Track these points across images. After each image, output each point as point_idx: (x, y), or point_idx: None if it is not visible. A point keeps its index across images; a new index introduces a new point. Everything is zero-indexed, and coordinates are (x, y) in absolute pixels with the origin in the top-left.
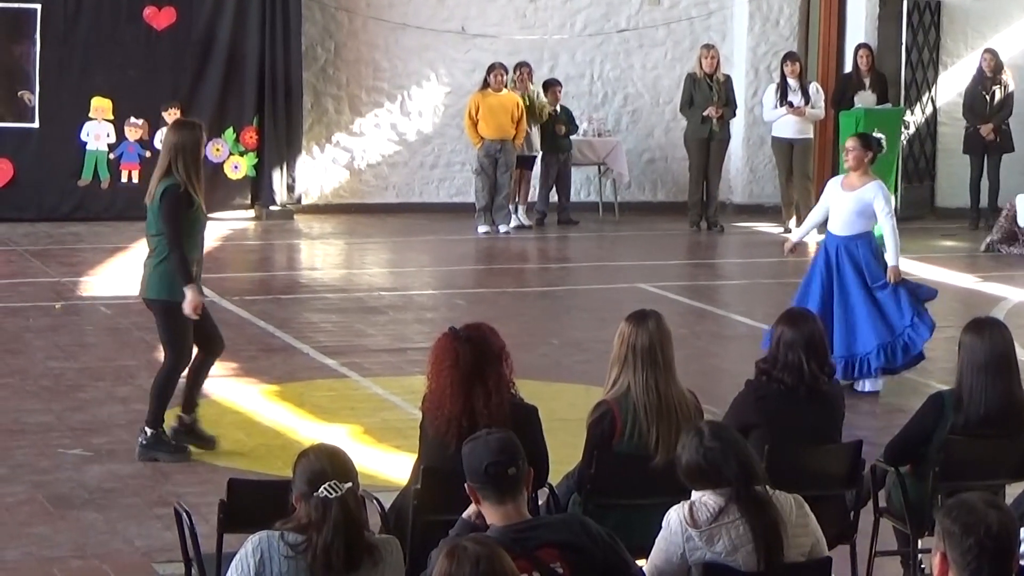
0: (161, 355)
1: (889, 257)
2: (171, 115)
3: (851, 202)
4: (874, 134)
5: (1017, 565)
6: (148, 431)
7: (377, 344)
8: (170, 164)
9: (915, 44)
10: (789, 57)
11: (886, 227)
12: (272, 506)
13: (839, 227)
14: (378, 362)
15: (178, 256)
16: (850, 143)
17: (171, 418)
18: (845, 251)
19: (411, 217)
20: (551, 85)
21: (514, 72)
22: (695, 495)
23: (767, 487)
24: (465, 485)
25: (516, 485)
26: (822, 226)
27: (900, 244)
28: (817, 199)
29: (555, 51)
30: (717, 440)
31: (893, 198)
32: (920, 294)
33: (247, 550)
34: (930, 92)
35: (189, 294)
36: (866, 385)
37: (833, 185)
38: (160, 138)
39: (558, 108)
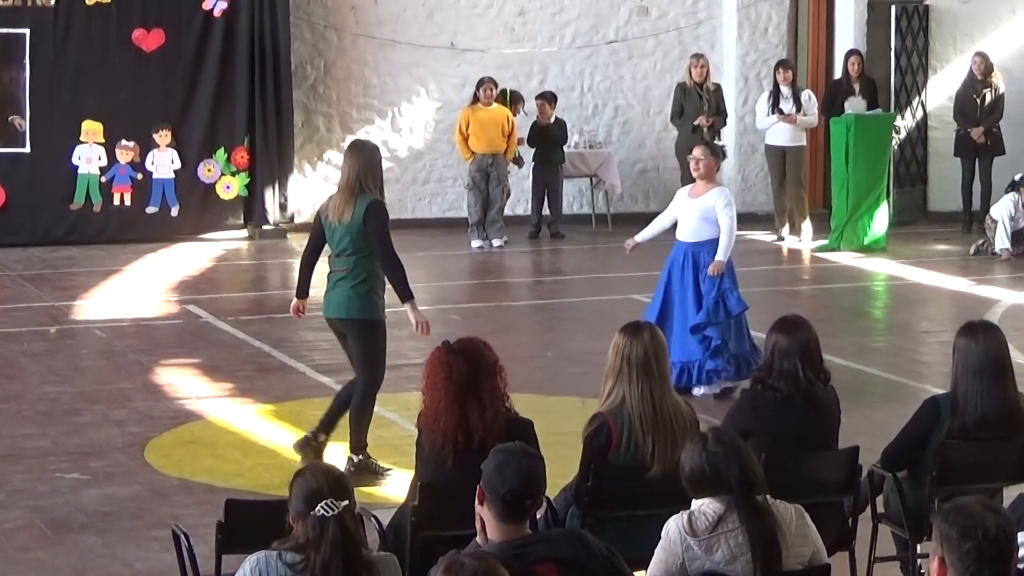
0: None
1: (718, 252)
2: (162, 137)
3: (696, 209)
4: (716, 143)
5: (1015, 568)
6: (354, 458)
7: None
8: (361, 183)
9: (904, 49)
10: (782, 64)
11: (723, 224)
12: (270, 526)
13: (686, 234)
14: None
15: (402, 270)
16: (700, 152)
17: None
18: (691, 257)
19: (404, 233)
20: (539, 99)
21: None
22: (694, 504)
23: (767, 497)
24: (478, 486)
25: (526, 514)
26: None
27: (732, 240)
28: (810, 206)
29: (544, 64)
30: (720, 445)
31: (734, 203)
32: (730, 306)
33: (245, 570)
34: (920, 96)
35: (415, 310)
36: (701, 390)
37: (681, 194)
38: (151, 160)
39: (552, 120)
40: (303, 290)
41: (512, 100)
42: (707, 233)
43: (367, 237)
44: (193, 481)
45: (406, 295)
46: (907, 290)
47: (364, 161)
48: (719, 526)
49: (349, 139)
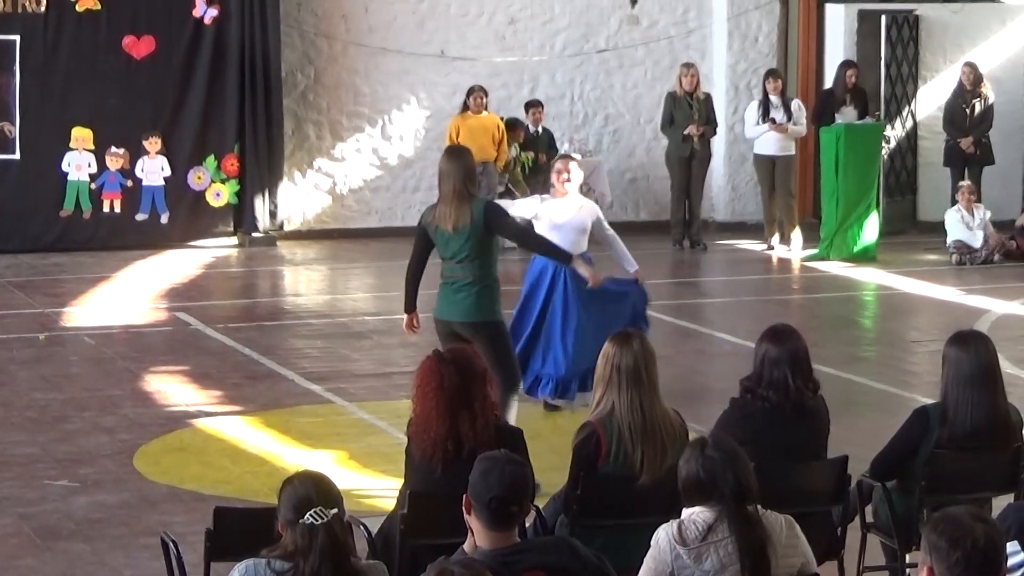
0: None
1: (631, 263)
2: (152, 144)
3: (579, 223)
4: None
5: None
6: None
7: (362, 369)
8: (467, 188)
9: (894, 59)
10: (771, 74)
11: (616, 240)
12: (259, 534)
13: (568, 247)
14: (363, 387)
15: (547, 240)
16: (572, 164)
17: None
18: (570, 270)
19: (394, 241)
20: (532, 107)
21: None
22: (685, 513)
23: (758, 507)
24: (464, 496)
25: (514, 520)
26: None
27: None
28: (800, 215)
29: (535, 72)
30: (718, 451)
31: None
32: (639, 306)
33: None
34: (910, 106)
35: (582, 265)
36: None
37: (550, 204)
38: (141, 167)
39: (540, 130)
40: (412, 304)
41: (510, 127)
42: (584, 245)
43: (488, 237)
44: (182, 489)
45: (567, 256)
46: (896, 299)
47: (465, 167)
48: (709, 535)
49: (339, 147)
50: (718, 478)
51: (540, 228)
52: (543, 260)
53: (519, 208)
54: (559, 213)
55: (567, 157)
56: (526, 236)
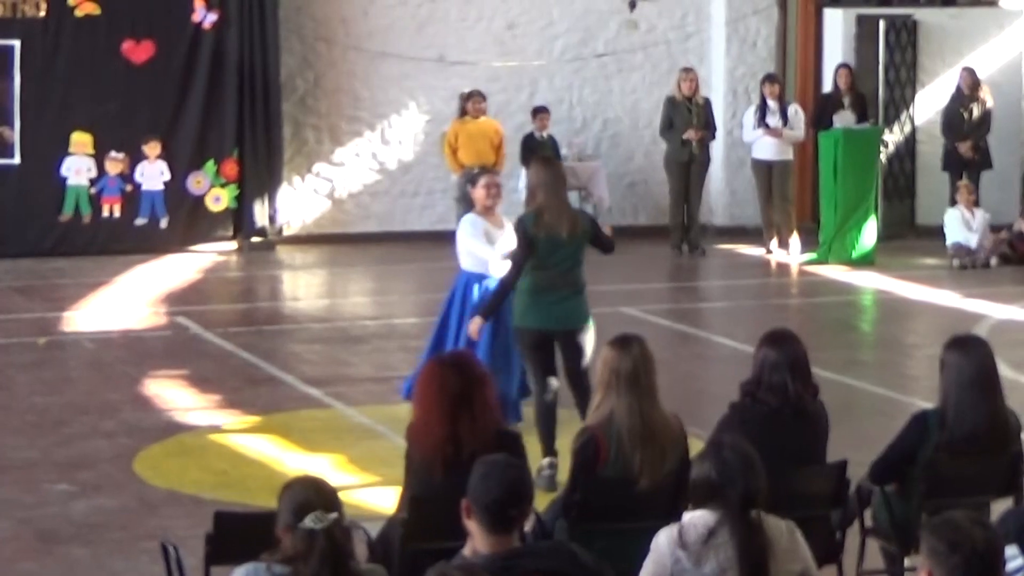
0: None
1: None
2: (152, 148)
3: (507, 239)
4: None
5: None
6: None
7: (361, 373)
8: (566, 194)
9: (892, 63)
10: (769, 78)
11: None
12: (259, 538)
13: (492, 267)
14: (362, 391)
15: None
16: (497, 179)
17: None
18: (476, 288)
19: (393, 246)
20: (539, 112)
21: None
22: (685, 517)
23: (759, 512)
24: (463, 500)
25: (513, 524)
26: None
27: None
28: (798, 220)
29: (534, 77)
30: (734, 454)
31: None
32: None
33: None
34: (908, 110)
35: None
36: None
37: (486, 227)
38: (141, 172)
39: (545, 135)
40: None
41: (534, 112)
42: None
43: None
44: (182, 493)
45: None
46: (895, 304)
47: (560, 175)
48: (710, 539)
49: (338, 151)
50: (728, 482)
51: (500, 254)
52: (466, 275)
53: (504, 241)
54: (497, 233)
55: (494, 172)
56: (611, 242)
